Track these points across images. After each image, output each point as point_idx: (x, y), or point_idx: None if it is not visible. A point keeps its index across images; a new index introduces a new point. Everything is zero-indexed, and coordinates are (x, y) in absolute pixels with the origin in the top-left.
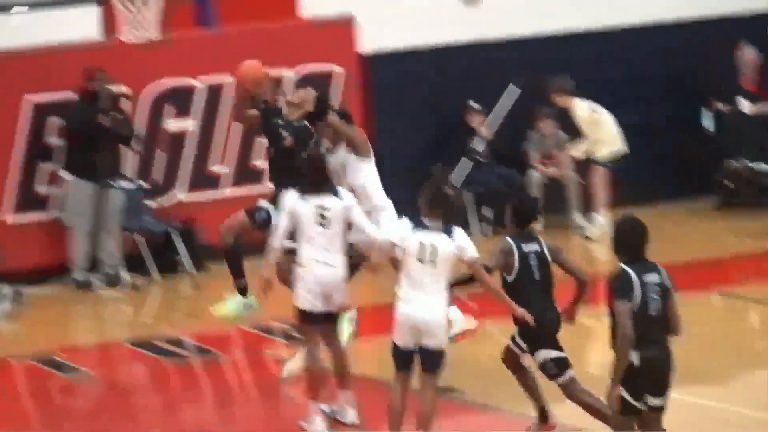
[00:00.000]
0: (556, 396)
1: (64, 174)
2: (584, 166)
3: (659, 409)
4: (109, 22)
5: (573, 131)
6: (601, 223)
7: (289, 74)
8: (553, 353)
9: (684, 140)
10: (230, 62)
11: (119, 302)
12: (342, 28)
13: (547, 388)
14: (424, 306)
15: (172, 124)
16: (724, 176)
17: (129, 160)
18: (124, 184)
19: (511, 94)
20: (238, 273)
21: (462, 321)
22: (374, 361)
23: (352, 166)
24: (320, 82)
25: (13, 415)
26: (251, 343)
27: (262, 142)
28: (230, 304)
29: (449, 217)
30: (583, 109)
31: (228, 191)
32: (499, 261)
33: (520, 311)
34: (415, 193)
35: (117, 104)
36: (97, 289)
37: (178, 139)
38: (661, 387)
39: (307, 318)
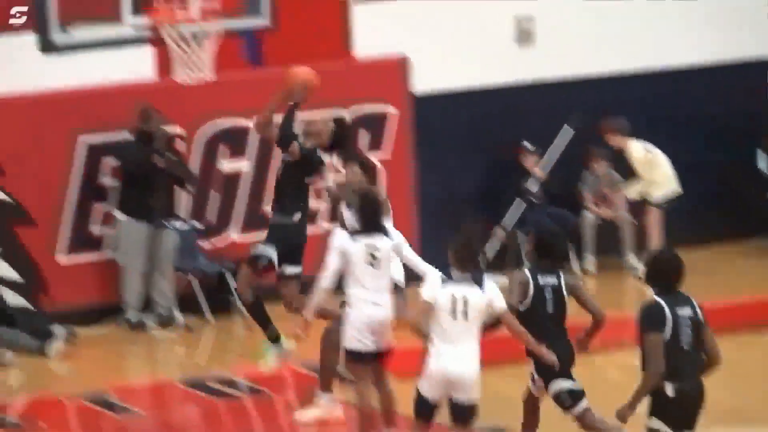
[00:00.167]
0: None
1: (118, 214)
2: (639, 206)
3: None
4: (164, 63)
5: (627, 172)
6: None
7: (344, 114)
8: (567, 384)
9: (739, 181)
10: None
11: (172, 342)
12: (395, 68)
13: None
14: (458, 359)
15: (226, 164)
16: None
17: (183, 200)
18: (177, 224)
19: (565, 134)
20: (264, 324)
21: None
22: None
23: None
24: (374, 123)
25: None
26: (303, 382)
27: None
28: (269, 358)
29: (477, 268)
30: (637, 149)
31: None
32: (518, 294)
33: (546, 353)
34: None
35: (171, 145)
36: (150, 329)
37: (232, 179)
38: (692, 420)
39: (356, 358)
